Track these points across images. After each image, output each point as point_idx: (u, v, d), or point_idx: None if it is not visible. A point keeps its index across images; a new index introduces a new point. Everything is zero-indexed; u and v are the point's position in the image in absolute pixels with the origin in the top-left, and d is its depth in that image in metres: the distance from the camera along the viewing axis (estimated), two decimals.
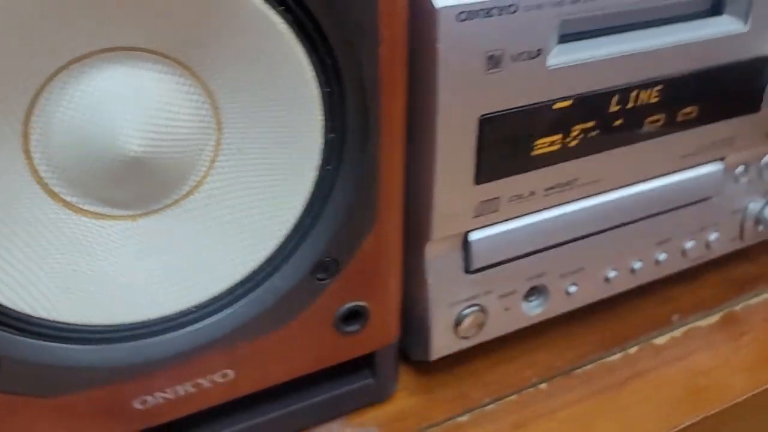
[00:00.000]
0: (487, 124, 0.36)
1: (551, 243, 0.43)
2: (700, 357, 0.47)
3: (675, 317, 0.50)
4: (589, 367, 0.46)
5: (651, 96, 0.42)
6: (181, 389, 0.35)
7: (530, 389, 0.45)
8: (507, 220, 0.41)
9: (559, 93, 0.38)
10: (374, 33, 0.31)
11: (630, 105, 0.41)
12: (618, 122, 0.42)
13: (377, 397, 0.43)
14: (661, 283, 0.50)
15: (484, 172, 0.38)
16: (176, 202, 0.33)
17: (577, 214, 0.43)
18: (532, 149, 0.39)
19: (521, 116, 0.37)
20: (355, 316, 0.38)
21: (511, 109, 0.37)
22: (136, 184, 0.31)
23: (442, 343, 0.42)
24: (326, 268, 0.36)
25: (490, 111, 0.36)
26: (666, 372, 0.46)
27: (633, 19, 0.40)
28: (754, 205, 0.51)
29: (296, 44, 0.30)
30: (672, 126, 0.43)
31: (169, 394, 0.35)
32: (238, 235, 0.34)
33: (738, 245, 0.52)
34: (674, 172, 0.46)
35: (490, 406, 0.43)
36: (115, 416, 0.34)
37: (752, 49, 0.43)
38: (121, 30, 0.28)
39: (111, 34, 0.28)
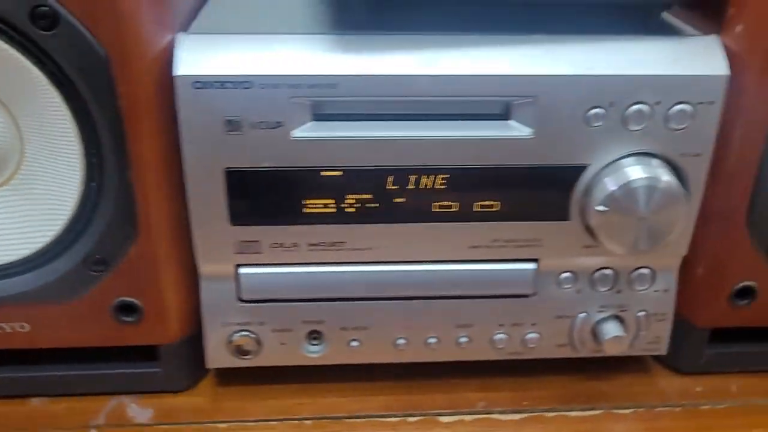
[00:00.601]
0: (233, 176, 0.44)
1: (325, 296, 0.48)
2: None
3: (481, 404, 0.51)
4: (360, 421, 0.50)
5: (436, 182, 0.46)
6: None
7: (294, 421, 0.50)
8: (275, 264, 0.47)
9: (309, 162, 0.44)
10: (112, 90, 0.41)
11: (411, 187, 0.46)
12: (399, 200, 0.46)
13: (164, 387, 0.51)
14: (507, 368, 0.52)
15: (238, 216, 0.45)
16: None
17: (353, 276, 0.48)
18: (287, 205, 0.45)
19: (270, 174, 0.44)
20: (129, 309, 0.48)
21: (255, 167, 0.44)
22: None
23: (216, 355, 0.50)
24: (97, 263, 0.46)
25: (234, 166, 0.44)
26: None
27: (408, 110, 0.44)
28: (584, 317, 0.50)
29: (55, 92, 0.41)
30: (466, 216, 0.46)
31: None
32: (32, 219, 0.45)
33: (573, 353, 0.52)
34: (472, 261, 0.48)
35: (250, 422, 0.50)
36: None
37: (539, 156, 0.44)
38: None
39: None
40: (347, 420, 0.50)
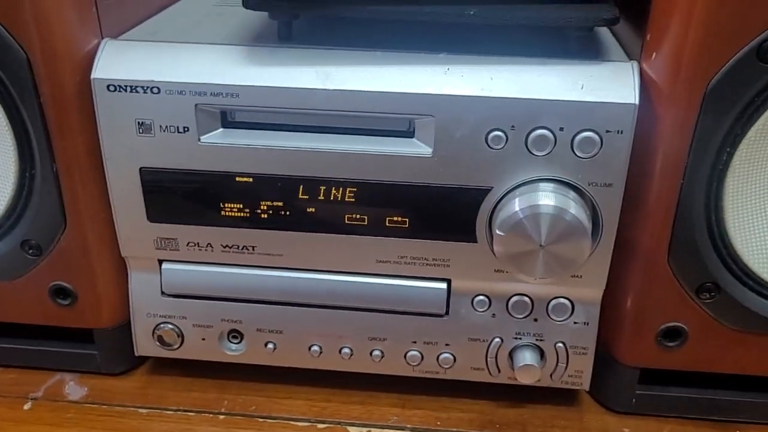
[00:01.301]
0: (147, 175, 0.46)
1: (240, 297, 0.50)
2: None
3: (394, 419, 0.51)
4: (270, 422, 0.51)
5: (346, 195, 0.46)
6: None
7: (209, 414, 0.52)
8: (193, 262, 0.49)
9: (218, 167, 0.46)
10: (34, 90, 0.44)
11: (321, 197, 0.46)
12: (311, 209, 0.47)
13: (99, 368, 0.54)
14: (431, 387, 0.52)
15: (153, 213, 0.48)
16: None
17: (265, 280, 0.49)
18: (200, 207, 0.47)
19: (182, 176, 0.46)
20: (64, 293, 0.51)
21: (166, 168, 0.46)
22: None
23: (144, 344, 0.52)
24: (32, 247, 0.50)
25: (147, 165, 0.46)
26: None
27: (313, 122, 0.45)
28: (499, 342, 0.49)
29: None
30: (376, 230, 0.47)
31: None
32: None
33: (489, 378, 0.51)
34: (382, 275, 0.48)
35: (169, 411, 0.52)
36: None
37: (440, 176, 0.44)
38: None
39: None
40: (258, 419, 0.51)
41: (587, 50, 0.45)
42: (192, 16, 0.53)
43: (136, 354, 0.53)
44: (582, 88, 0.42)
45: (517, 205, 0.43)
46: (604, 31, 0.49)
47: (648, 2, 0.42)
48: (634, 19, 0.45)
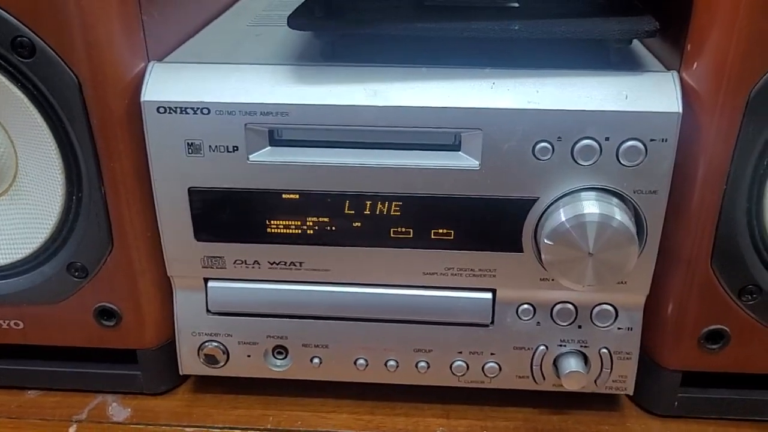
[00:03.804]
0: (196, 194, 0.47)
1: (286, 313, 0.50)
2: None
3: (440, 429, 0.52)
4: None
5: (392, 209, 0.47)
6: None
7: (255, 431, 0.52)
8: (240, 279, 0.50)
9: (267, 185, 0.46)
10: (85, 112, 0.45)
11: (367, 212, 0.47)
12: (357, 224, 0.48)
13: (142, 389, 0.54)
14: (473, 396, 0.53)
15: (201, 232, 0.48)
16: None
17: (312, 295, 0.50)
18: (247, 224, 0.48)
19: (230, 195, 0.47)
20: (109, 314, 0.51)
21: (215, 187, 0.46)
22: None
23: (189, 363, 0.53)
24: (78, 269, 0.50)
25: (196, 185, 0.46)
26: None
27: (359, 138, 0.46)
28: (544, 350, 0.50)
29: (37, 113, 0.45)
30: (422, 243, 0.47)
31: None
32: (24, 227, 0.50)
33: (534, 386, 0.51)
34: (428, 287, 0.49)
35: (215, 429, 0.52)
36: None
37: (487, 187, 0.45)
38: None
39: None
40: None
41: (627, 61, 0.46)
42: (229, 36, 0.53)
43: (180, 373, 0.54)
44: (626, 98, 0.43)
45: (564, 214, 0.44)
46: (636, 42, 0.50)
47: (687, 14, 0.43)
48: (669, 30, 0.46)
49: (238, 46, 0.51)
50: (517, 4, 0.48)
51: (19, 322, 0.53)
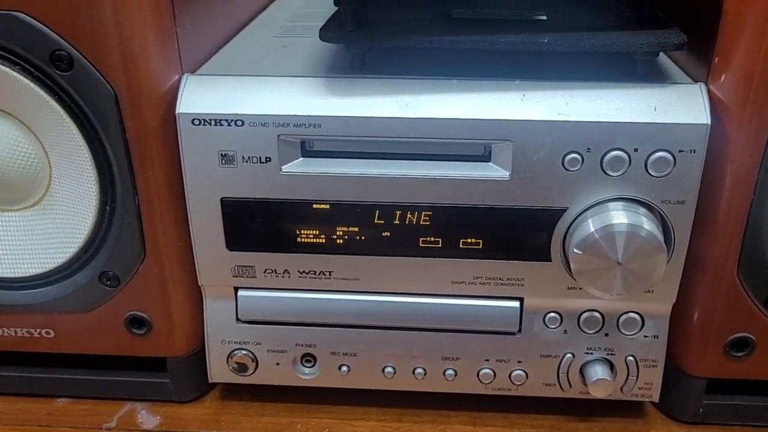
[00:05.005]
0: (228, 205, 0.47)
1: (315, 321, 0.51)
2: None
3: None
4: None
5: (421, 219, 0.48)
6: (19, 331, 0.53)
7: None
8: (269, 288, 0.50)
9: (298, 195, 0.47)
10: (120, 123, 0.45)
11: (397, 222, 0.48)
12: (386, 234, 0.48)
13: (171, 397, 0.55)
14: (499, 403, 0.53)
15: (233, 242, 0.49)
16: (27, 207, 0.51)
17: (341, 304, 0.50)
18: (278, 234, 0.48)
19: (262, 205, 0.47)
20: (139, 323, 0.52)
21: (247, 197, 0.47)
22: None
23: (218, 371, 0.53)
24: (110, 278, 0.50)
25: (229, 196, 0.47)
26: None
27: (391, 149, 0.46)
28: (571, 358, 0.50)
29: (73, 125, 0.46)
30: (450, 252, 0.48)
31: (10, 332, 0.53)
32: (56, 236, 0.50)
33: (561, 393, 0.52)
34: (456, 296, 0.50)
35: None
36: None
37: (517, 198, 0.46)
38: None
39: None
40: None
41: (654, 74, 0.47)
42: (257, 48, 0.54)
43: (210, 381, 0.54)
44: (655, 110, 0.43)
45: (593, 224, 0.45)
46: (662, 55, 0.51)
47: (714, 27, 0.44)
48: (695, 42, 0.47)
49: (266, 58, 0.52)
50: (545, 17, 0.49)
51: (50, 330, 0.53)
